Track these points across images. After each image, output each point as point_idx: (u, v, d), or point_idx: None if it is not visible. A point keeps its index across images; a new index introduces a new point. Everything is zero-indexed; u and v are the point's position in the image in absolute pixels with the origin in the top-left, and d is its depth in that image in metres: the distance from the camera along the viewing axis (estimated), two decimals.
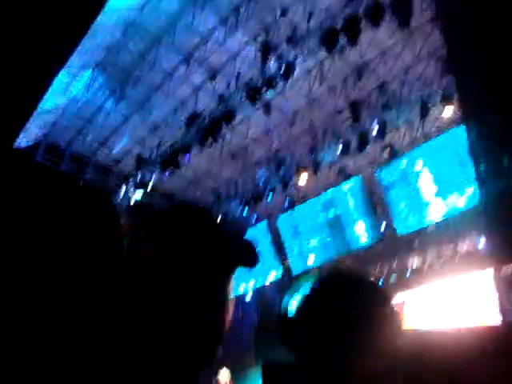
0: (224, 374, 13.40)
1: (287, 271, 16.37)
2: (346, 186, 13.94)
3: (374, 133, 12.27)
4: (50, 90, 12.16)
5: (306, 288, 1.30)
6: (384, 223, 14.29)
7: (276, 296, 17.18)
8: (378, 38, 11.36)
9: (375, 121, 12.35)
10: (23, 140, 13.93)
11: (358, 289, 1.19)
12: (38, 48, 9.40)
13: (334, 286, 1.23)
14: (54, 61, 10.99)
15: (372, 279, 1.27)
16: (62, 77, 12.16)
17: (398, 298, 14.70)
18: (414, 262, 14.83)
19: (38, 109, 12.59)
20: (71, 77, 12.57)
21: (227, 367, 13.88)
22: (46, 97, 12.36)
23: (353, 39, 10.02)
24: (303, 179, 14.54)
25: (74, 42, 10.90)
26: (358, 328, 1.12)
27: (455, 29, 9.21)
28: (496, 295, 9.84)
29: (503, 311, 9.61)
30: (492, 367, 1.58)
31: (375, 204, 14.17)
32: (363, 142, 12.41)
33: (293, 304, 2.24)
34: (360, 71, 12.27)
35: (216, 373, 13.23)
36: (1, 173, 0.98)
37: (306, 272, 15.85)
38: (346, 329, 1.12)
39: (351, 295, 1.17)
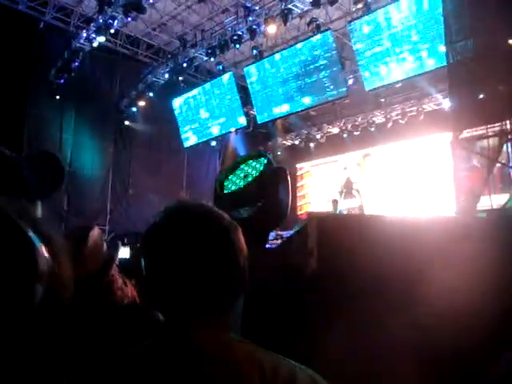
0: None
1: (252, 120, 16.33)
2: (317, 37, 13.31)
3: None
4: None
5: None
6: (352, 77, 14.06)
7: (240, 143, 17.40)
8: None
9: None
10: None
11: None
12: None
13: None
14: None
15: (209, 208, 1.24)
16: None
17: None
18: (379, 117, 14.91)
19: None
20: None
21: None
22: None
23: None
24: (272, 28, 13.91)
25: None
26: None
27: None
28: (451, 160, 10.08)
29: (456, 176, 9.93)
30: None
31: (344, 58, 13.76)
32: None
33: (228, 182, 2.31)
34: None
35: None
36: None
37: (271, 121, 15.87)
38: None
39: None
